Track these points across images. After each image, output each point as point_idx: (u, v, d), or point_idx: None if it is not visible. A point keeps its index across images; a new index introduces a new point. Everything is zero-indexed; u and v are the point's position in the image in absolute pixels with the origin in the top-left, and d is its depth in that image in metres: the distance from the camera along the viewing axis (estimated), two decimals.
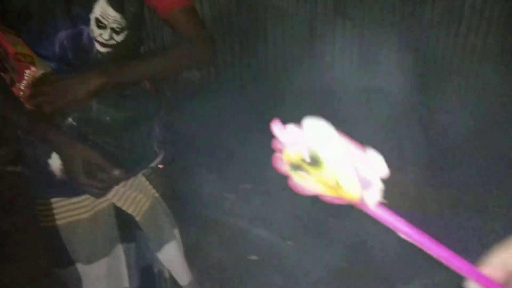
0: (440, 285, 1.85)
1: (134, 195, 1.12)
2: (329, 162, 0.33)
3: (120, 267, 1.16)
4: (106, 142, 1.04)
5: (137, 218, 1.14)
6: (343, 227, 2.28)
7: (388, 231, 0.37)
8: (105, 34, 0.95)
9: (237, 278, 2.05)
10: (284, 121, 0.36)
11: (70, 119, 0.98)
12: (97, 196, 1.00)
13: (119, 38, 0.98)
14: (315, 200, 0.40)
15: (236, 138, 2.84)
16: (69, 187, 1.01)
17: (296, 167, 0.35)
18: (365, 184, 0.34)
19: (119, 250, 1.15)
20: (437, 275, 1.85)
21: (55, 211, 1.06)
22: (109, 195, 1.08)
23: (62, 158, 0.97)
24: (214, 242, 2.25)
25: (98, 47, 0.96)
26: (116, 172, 0.94)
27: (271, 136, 0.36)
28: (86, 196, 1.05)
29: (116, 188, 1.08)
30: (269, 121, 0.37)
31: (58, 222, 1.07)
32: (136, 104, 1.07)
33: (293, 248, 2.23)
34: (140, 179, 1.16)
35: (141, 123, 1.11)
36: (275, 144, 0.36)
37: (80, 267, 1.10)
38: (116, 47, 0.99)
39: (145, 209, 1.15)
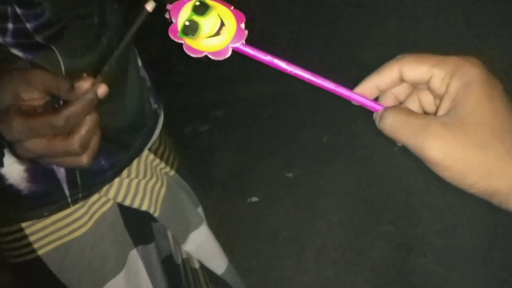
0: None
1: (144, 183, 0.77)
2: (213, 8, 0.38)
3: (139, 276, 0.83)
4: None
5: (155, 214, 0.81)
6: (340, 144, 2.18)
7: None
8: None
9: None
10: None
11: None
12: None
13: None
14: None
15: None
16: (46, 197, 0.65)
17: (186, 30, 0.38)
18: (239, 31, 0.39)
19: (135, 256, 0.81)
20: None
21: (32, 239, 0.68)
22: (109, 193, 0.74)
23: None
24: None
25: None
26: (86, 84, 0.44)
27: None
28: (79, 205, 0.69)
29: (117, 180, 0.74)
30: None
31: (41, 252, 0.69)
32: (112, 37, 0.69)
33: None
34: (148, 158, 0.81)
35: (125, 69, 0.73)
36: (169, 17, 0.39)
37: None
38: None
39: (163, 197, 0.81)
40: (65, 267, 0.72)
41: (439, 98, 0.39)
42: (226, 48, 0.39)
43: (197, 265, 0.99)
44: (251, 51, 0.39)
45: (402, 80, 0.40)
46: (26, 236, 0.68)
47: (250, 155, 2.28)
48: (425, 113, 0.42)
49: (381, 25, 2.77)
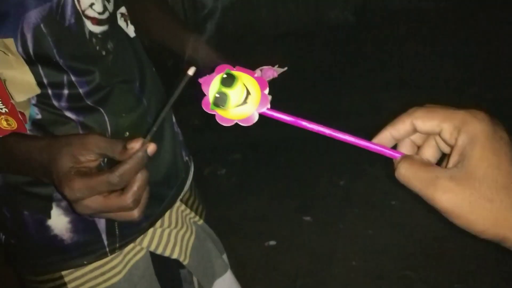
0: None
1: (175, 233, 0.81)
2: (239, 78, 0.43)
3: None
4: None
5: (185, 262, 0.84)
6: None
7: None
8: (98, 4, 0.63)
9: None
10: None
11: None
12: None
13: (113, 7, 0.67)
14: None
15: None
16: (87, 247, 0.70)
17: (217, 102, 0.43)
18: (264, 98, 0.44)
19: None
20: None
21: (70, 286, 0.72)
22: (143, 242, 0.78)
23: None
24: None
25: (90, 25, 0.62)
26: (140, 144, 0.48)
27: None
28: (115, 254, 0.73)
29: (150, 230, 0.78)
30: None
31: None
32: (153, 99, 0.76)
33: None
34: (179, 208, 0.85)
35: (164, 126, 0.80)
36: (201, 91, 0.43)
37: None
38: (114, 25, 0.67)
39: (192, 246, 0.85)
40: None
41: (451, 148, 0.41)
42: (253, 114, 0.44)
43: None
44: (276, 114, 0.44)
45: (415, 131, 0.43)
46: (65, 284, 0.72)
47: (267, 198, 2.30)
48: (443, 154, 0.45)
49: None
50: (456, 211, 0.38)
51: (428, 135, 0.44)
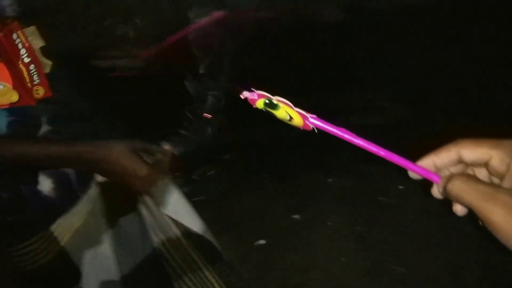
0: None
1: None
2: (280, 104, 0.47)
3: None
4: None
5: None
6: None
7: None
8: None
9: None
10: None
11: None
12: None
13: None
14: None
15: None
16: (65, 197, 0.87)
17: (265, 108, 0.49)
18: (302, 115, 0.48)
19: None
20: None
21: (58, 236, 0.88)
22: None
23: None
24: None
25: None
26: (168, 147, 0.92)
27: None
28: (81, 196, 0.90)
29: None
30: None
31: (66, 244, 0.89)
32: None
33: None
34: None
35: None
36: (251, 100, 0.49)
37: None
38: None
39: None
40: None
41: (497, 175, 0.43)
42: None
43: (178, 232, 1.06)
44: (325, 125, 0.47)
45: (459, 161, 0.45)
46: (53, 234, 0.87)
47: (257, 198, 2.31)
48: None
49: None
50: (507, 228, 0.37)
51: (467, 166, 0.46)
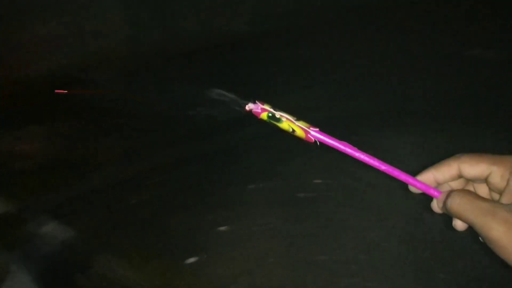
0: None
1: None
2: (283, 118, 0.51)
3: None
4: None
5: None
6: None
7: None
8: None
9: None
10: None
11: None
12: None
13: None
14: None
15: None
16: None
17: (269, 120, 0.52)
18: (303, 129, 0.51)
19: None
20: None
21: None
22: None
23: None
24: None
25: None
26: None
27: None
28: None
29: None
30: None
31: None
32: None
33: None
34: None
35: None
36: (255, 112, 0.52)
37: None
38: None
39: None
40: None
41: (497, 191, 0.44)
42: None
43: None
44: (326, 139, 0.50)
45: (459, 176, 0.46)
46: None
47: (182, 218, 2.30)
48: None
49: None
50: (507, 244, 0.38)
51: (468, 181, 0.47)
